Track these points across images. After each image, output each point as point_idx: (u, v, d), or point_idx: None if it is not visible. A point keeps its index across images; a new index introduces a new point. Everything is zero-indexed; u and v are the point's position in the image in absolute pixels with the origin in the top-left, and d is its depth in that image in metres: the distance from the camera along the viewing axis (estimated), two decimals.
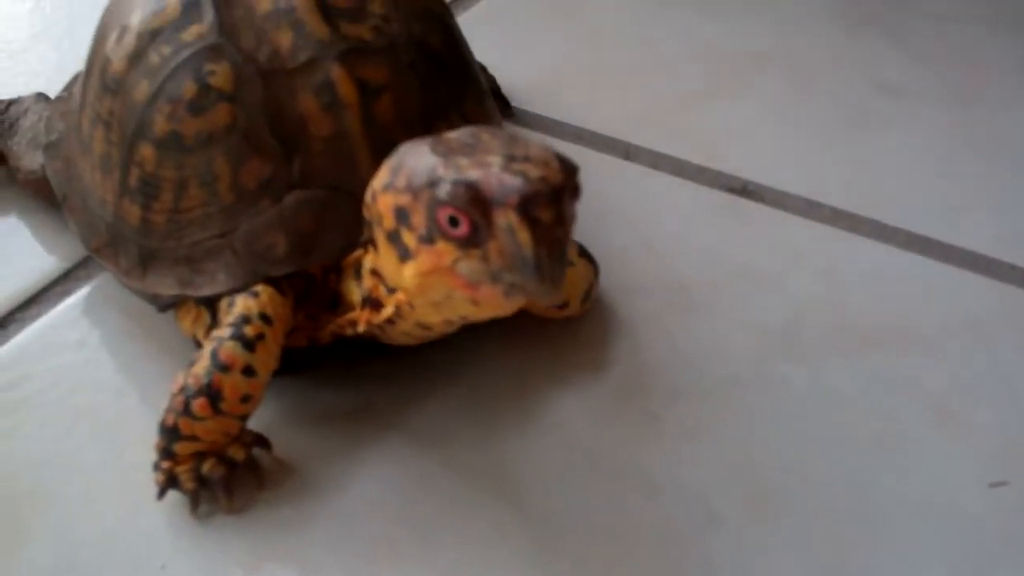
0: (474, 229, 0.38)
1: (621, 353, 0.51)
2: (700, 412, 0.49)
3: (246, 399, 0.44)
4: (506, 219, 0.37)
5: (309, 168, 0.45)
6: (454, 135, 0.41)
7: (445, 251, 0.39)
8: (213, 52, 0.45)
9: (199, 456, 0.45)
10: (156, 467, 0.45)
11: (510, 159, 0.38)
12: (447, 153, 0.39)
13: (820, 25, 0.75)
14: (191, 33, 0.46)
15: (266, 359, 0.44)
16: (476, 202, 0.37)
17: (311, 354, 0.49)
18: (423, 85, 0.47)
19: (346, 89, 0.45)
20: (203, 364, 0.43)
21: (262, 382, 0.45)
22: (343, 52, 0.45)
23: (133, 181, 0.47)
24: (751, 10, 0.76)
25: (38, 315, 0.54)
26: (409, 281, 0.40)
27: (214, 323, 0.46)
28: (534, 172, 0.38)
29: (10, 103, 0.61)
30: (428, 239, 0.39)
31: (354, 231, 0.44)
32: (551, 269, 0.38)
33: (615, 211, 0.59)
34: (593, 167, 0.61)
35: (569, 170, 0.39)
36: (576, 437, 0.48)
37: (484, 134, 0.40)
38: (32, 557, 0.44)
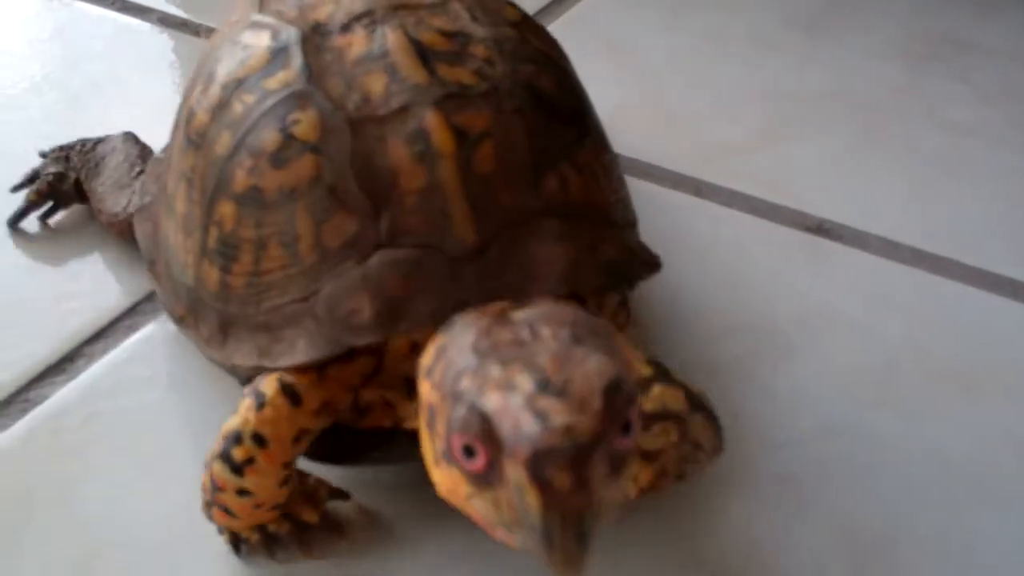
0: (490, 466, 0.32)
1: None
2: (796, 462, 0.47)
3: (257, 505, 0.42)
4: (515, 472, 0.31)
5: (398, 225, 0.41)
6: (521, 316, 0.36)
7: (459, 480, 0.34)
8: (299, 100, 0.42)
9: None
10: (220, 529, 0.43)
11: (543, 386, 0.32)
12: (488, 352, 0.33)
13: (882, 63, 0.74)
14: (277, 80, 0.43)
15: (261, 481, 0.41)
16: (491, 439, 0.31)
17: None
18: (530, 132, 0.43)
19: (441, 137, 0.41)
20: (206, 475, 0.42)
21: (268, 495, 0.42)
22: (440, 97, 0.42)
23: (212, 242, 0.44)
24: (808, 49, 0.75)
25: (105, 350, 0.52)
26: (437, 485, 0.36)
27: None
28: (559, 417, 0.31)
29: (97, 142, 0.59)
30: (447, 459, 0.34)
31: (448, 296, 0.40)
32: (565, 544, 0.31)
33: (691, 249, 0.58)
34: (666, 203, 0.61)
35: (616, 407, 0.32)
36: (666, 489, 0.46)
37: (547, 326, 0.34)
38: None
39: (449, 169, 0.41)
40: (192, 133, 0.46)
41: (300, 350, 0.41)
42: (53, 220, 0.60)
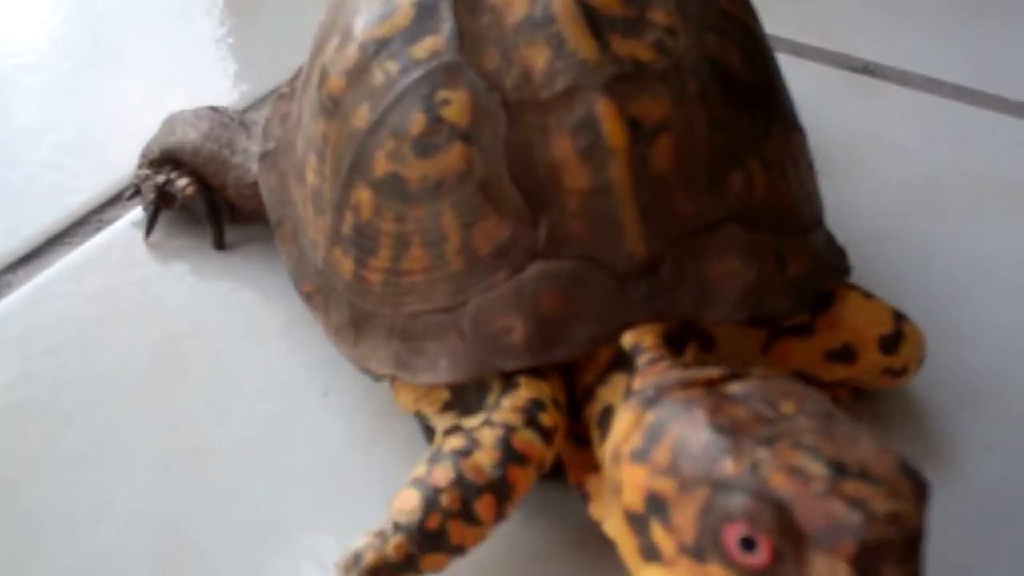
0: (777, 559, 0.28)
1: None
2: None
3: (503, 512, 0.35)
4: (830, 570, 0.27)
5: (558, 232, 0.35)
6: (740, 389, 0.31)
7: (718, 575, 0.29)
8: (449, 74, 0.36)
9: None
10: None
11: (840, 470, 0.27)
12: (735, 431, 0.29)
13: None
14: (424, 47, 0.37)
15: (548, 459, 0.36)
16: (787, 530, 0.27)
17: None
18: (714, 121, 0.36)
19: (613, 129, 0.35)
20: (489, 455, 0.34)
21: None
22: (612, 79, 0.35)
23: (347, 228, 0.39)
24: None
25: None
26: None
27: (456, 402, 0.37)
28: (881, 506, 0.27)
29: (169, 135, 0.52)
30: (696, 553, 0.29)
31: (611, 320, 0.35)
32: None
33: None
34: None
35: (922, 493, 0.28)
36: None
37: (787, 401, 0.30)
38: (193, 388, 0.44)
39: (620, 168, 0.35)
40: (325, 97, 0.40)
41: (442, 368, 0.36)
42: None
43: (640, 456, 0.31)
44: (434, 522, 0.33)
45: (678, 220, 0.36)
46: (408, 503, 0.34)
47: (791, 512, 0.27)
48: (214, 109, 0.52)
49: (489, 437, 0.34)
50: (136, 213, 0.53)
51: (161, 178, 0.51)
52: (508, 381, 0.36)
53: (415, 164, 0.37)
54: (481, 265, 0.36)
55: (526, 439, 0.34)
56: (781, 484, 0.27)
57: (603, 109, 0.35)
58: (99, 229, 0.53)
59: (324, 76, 0.41)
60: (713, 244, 0.36)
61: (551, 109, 0.36)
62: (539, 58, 0.36)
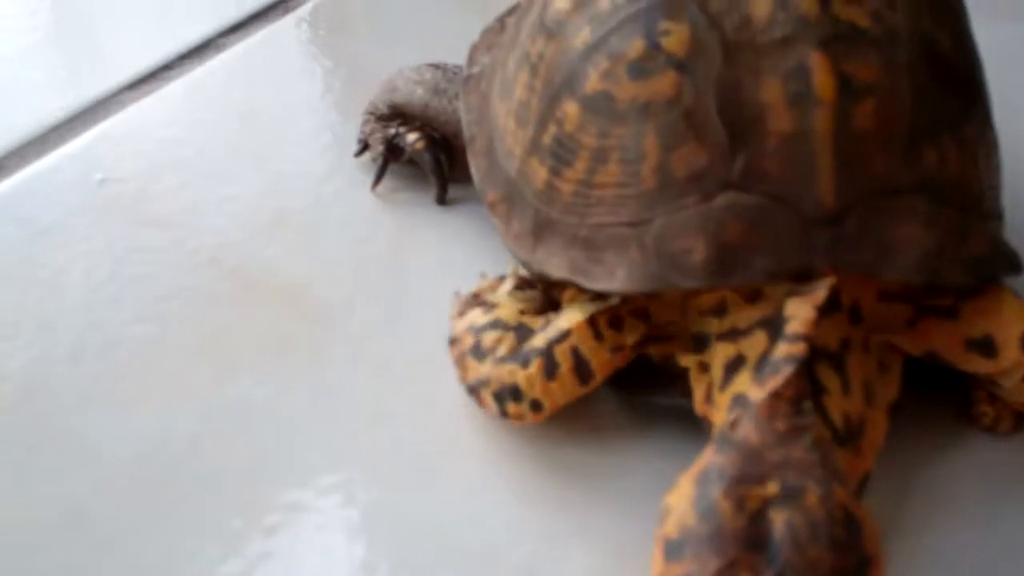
0: None
1: None
2: None
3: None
4: None
5: (754, 167, 0.37)
6: (780, 519, 0.32)
7: None
8: (673, 8, 0.39)
9: None
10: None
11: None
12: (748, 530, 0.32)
13: None
14: None
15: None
16: None
17: None
18: (918, 94, 0.38)
19: (823, 82, 0.37)
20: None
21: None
22: (828, 37, 0.37)
23: (547, 139, 0.42)
24: None
25: None
26: None
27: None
28: None
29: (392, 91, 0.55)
30: None
31: (791, 259, 0.37)
32: None
33: None
34: None
35: None
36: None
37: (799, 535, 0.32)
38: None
39: (825, 119, 0.37)
40: (548, 19, 0.43)
41: (619, 278, 0.38)
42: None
43: (671, 554, 0.33)
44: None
45: (870, 178, 0.37)
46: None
47: None
48: (434, 65, 0.55)
49: (483, 368, 0.41)
50: None
51: (391, 131, 0.54)
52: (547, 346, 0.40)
53: (627, 85, 0.39)
54: (674, 187, 0.38)
55: (486, 401, 0.41)
56: None
57: (817, 61, 0.37)
58: None
59: (550, 1, 0.43)
60: (899, 208, 0.37)
61: (766, 54, 0.38)
62: (762, 8, 0.38)
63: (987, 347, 0.39)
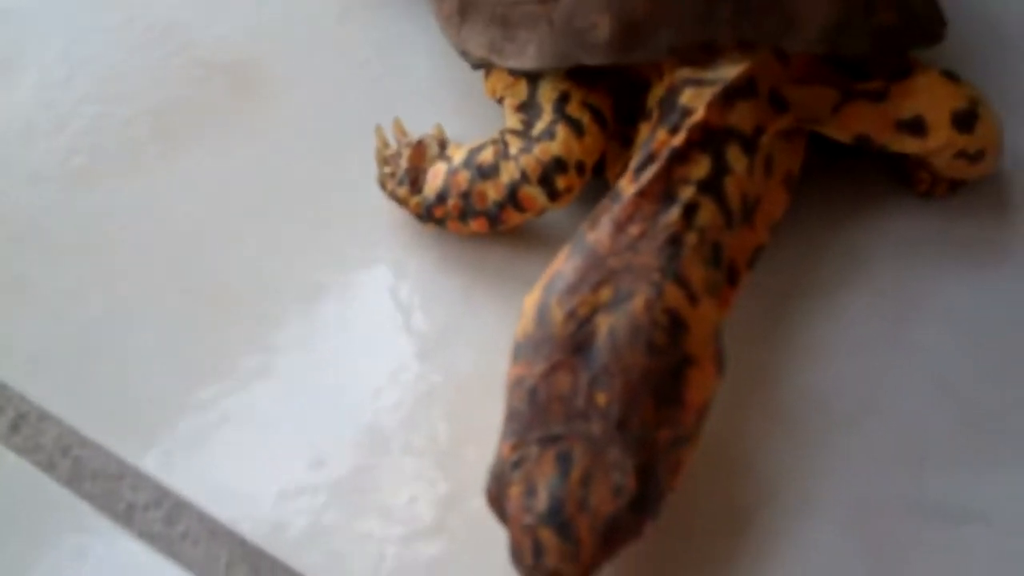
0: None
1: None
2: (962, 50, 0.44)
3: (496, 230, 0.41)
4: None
5: None
6: (597, 345, 0.33)
7: None
8: None
9: None
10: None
11: (555, 511, 0.31)
12: (537, 412, 0.32)
13: None
14: None
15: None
16: (501, 510, 0.33)
17: None
18: None
19: None
20: (496, 190, 0.39)
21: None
22: None
23: None
24: None
25: None
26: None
27: (526, 107, 0.41)
28: (551, 559, 0.31)
29: None
30: None
31: (695, 32, 0.37)
32: None
33: None
34: None
35: (616, 542, 0.31)
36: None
37: (608, 391, 0.32)
38: None
39: None
40: None
41: (529, 56, 0.39)
42: None
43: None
44: (439, 213, 0.41)
45: None
46: (433, 181, 0.41)
47: (506, 513, 0.32)
48: None
49: (505, 175, 0.39)
50: None
51: None
52: (559, 114, 0.39)
53: None
54: None
55: (531, 194, 0.39)
56: (511, 498, 0.31)
57: None
58: None
59: None
60: None
61: None
62: None
63: (917, 127, 0.39)
